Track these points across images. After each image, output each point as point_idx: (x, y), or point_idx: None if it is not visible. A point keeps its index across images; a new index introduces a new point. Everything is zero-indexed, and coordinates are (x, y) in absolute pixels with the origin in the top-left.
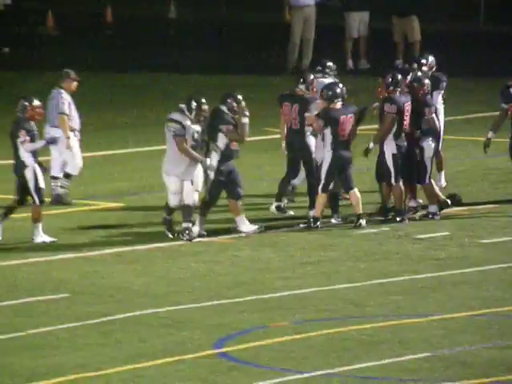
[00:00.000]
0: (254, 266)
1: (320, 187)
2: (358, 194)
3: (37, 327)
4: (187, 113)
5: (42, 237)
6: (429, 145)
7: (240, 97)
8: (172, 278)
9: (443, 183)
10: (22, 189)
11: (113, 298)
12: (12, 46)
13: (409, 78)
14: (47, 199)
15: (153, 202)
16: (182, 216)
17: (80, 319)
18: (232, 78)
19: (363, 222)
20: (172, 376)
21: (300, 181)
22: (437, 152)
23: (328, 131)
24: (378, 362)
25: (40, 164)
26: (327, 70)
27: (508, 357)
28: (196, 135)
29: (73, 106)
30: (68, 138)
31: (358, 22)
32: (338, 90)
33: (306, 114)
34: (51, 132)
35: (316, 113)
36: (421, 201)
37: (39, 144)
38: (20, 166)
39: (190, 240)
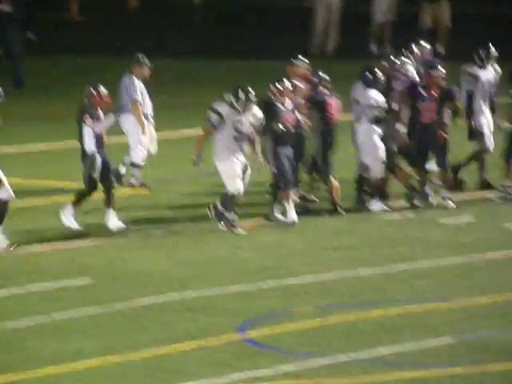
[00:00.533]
0: (277, 251)
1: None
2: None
3: (61, 312)
4: (235, 103)
5: (111, 223)
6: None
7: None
8: (196, 262)
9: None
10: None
11: (137, 283)
12: (38, 33)
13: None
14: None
15: (178, 188)
16: (220, 202)
17: (104, 304)
18: (256, 63)
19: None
20: (196, 361)
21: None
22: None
23: (317, 116)
24: (401, 347)
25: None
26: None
27: None
28: (239, 126)
29: (144, 92)
30: (142, 124)
31: (384, 7)
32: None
33: None
34: (123, 119)
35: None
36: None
37: (108, 121)
38: (83, 154)
39: (232, 231)
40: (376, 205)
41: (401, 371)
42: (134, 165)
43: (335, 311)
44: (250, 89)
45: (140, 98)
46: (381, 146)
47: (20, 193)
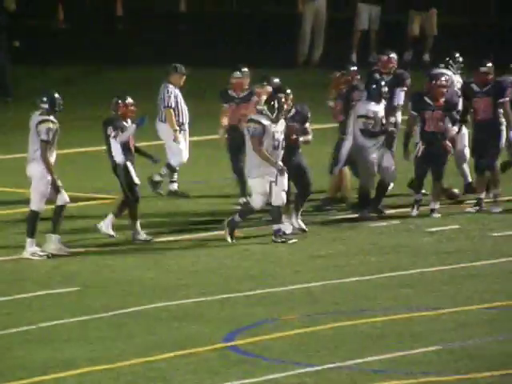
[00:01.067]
0: (264, 259)
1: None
2: None
3: (48, 320)
4: (268, 112)
5: (140, 235)
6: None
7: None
8: (183, 271)
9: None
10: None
11: (124, 291)
12: (23, 41)
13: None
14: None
15: (164, 195)
16: (272, 218)
17: (91, 312)
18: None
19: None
20: (183, 369)
21: None
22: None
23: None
24: (388, 355)
25: (150, 157)
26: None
27: None
28: (277, 135)
29: (180, 100)
30: (175, 131)
31: (366, 15)
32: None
33: None
34: (159, 127)
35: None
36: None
37: (130, 130)
38: (113, 164)
39: (286, 241)
40: (363, 212)
41: (388, 380)
42: (170, 168)
43: (322, 320)
44: (281, 96)
45: (174, 105)
46: (372, 158)
47: (8, 203)
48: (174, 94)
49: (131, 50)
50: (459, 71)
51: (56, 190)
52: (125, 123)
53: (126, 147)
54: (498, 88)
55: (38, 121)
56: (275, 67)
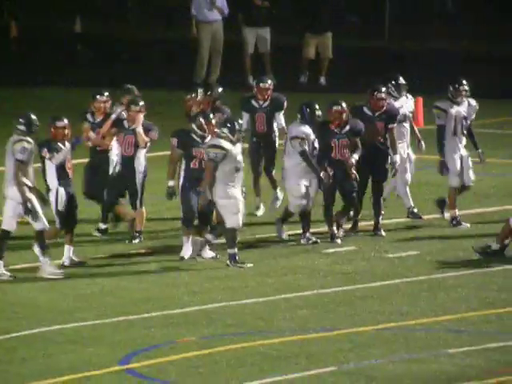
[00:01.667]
0: (161, 280)
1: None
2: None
3: None
4: (230, 135)
5: (67, 259)
6: None
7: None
8: (78, 293)
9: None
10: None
11: (17, 314)
12: None
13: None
14: None
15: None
16: (226, 242)
17: None
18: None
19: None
20: None
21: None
22: None
23: None
24: (286, 377)
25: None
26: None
27: (413, 370)
28: (238, 157)
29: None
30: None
31: (255, 38)
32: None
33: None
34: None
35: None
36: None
37: (64, 150)
38: (47, 189)
39: (242, 267)
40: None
41: None
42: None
43: (219, 341)
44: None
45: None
46: (302, 182)
47: None
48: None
49: (27, 71)
50: (403, 93)
51: (28, 212)
52: (60, 144)
53: (61, 169)
54: (390, 114)
55: (14, 141)
56: (173, 88)
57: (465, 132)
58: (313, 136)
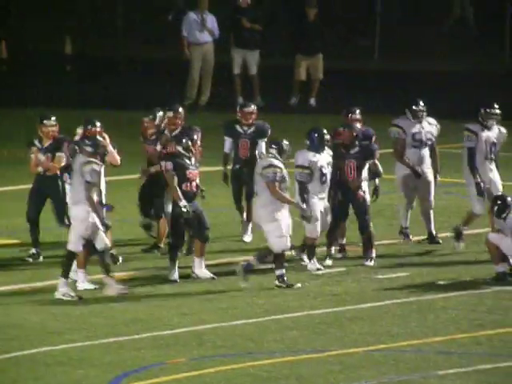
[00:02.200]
0: (150, 302)
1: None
2: None
3: None
4: (278, 156)
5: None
6: None
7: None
8: (68, 314)
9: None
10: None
11: (7, 335)
12: None
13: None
14: None
15: (48, 239)
16: (275, 263)
17: None
18: (129, 113)
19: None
20: None
21: None
22: None
23: None
24: None
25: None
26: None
27: None
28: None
29: None
30: None
31: (241, 59)
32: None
33: None
34: None
35: None
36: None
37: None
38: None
39: (290, 287)
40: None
41: None
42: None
43: (209, 363)
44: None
45: None
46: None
47: None
48: None
49: (16, 91)
50: (421, 118)
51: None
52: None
53: None
54: (366, 136)
55: (83, 162)
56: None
57: (493, 157)
58: (320, 163)
